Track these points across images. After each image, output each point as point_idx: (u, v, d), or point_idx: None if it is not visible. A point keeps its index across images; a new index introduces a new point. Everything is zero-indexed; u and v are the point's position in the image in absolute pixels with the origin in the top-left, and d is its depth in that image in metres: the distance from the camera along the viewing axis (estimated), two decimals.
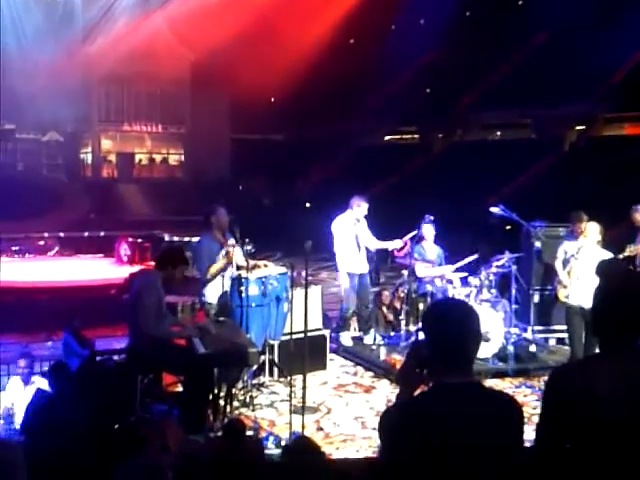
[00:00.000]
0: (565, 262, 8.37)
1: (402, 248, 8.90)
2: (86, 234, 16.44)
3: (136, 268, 11.94)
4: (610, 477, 2.66)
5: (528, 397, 7.08)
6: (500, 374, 7.75)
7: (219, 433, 5.85)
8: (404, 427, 2.71)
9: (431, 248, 9.06)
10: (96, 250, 15.53)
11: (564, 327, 8.74)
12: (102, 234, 16.53)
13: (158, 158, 21.82)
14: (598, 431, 2.66)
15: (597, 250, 7.41)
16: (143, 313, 5.97)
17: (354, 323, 9.26)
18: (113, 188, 19.99)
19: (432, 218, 8.74)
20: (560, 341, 8.89)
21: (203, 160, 20.28)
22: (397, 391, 3.10)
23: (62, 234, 16.09)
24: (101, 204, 18.82)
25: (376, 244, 9.03)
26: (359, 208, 8.79)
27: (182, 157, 21.79)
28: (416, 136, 20.73)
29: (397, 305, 9.58)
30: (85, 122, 20.37)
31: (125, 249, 15.07)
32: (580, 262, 7.53)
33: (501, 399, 2.92)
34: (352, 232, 8.80)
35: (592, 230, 7.52)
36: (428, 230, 8.95)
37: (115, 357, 6.77)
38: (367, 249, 9.00)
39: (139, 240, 14.79)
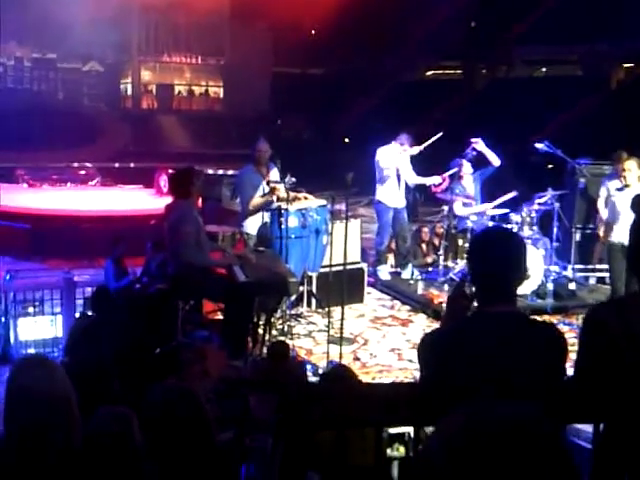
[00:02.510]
0: (607, 201, 8.27)
1: (440, 184, 8.82)
2: (126, 165, 16.54)
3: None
4: None
5: (566, 334, 7.03)
6: (538, 311, 7.71)
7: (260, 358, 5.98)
8: (443, 350, 2.72)
9: (470, 185, 8.95)
10: (136, 181, 15.64)
11: (605, 266, 8.67)
12: (143, 165, 16.62)
13: (197, 90, 21.70)
14: (635, 368, 2.65)
15: (638, 187, 7.29)
16: (182, 242, 6.01)
17: (391, 258, 9.27)
18: (152, 119, 20.00)
19: (474, 153, 8.61)
20: (600, 280, 8.81)
21: (242, 93, 20.12)
22: (434, 325, 3.11)
23: (103, 164, 16.22)
24: (141, 135, 18.87)
25: (415, 179, 8.96)
26: (407, 143, 8.70)
27: (221, 90, 21.65)
28: (459, 71, 20.29)
29: (436, 242, 9.54)
30: (125, 52, 20.31)
31: (165, 180, 15.16)
32: (622, 199, 7.41)
33: (543, 328, 2.91)
34: (395, 164, 8.72)
35: (633, 167, 7.40)
36: (467, 167, 8.84)
37: (158, 284, 6.86)
38: (406, 184, 8.94)
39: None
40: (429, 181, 8.88)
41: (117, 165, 16.71)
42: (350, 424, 2.92)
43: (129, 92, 21.00)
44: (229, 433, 3.61)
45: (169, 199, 6.56)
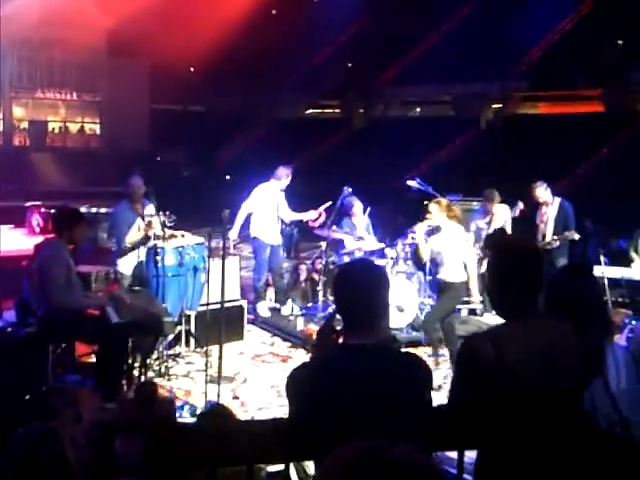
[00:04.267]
0: (477, 237, 8.67)
1: (317, 219, 8.97)
2: None
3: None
4: (520, 441, 2.74)
5: (441, 365, 7.24)
6: (414, 343, 7.90)
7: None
8: (308, 384, 2.75)
9: (361, 222, 9.09)
10: (7, 220, 15.02)
11: (476, 298, 8.99)
12: (14, 204, 15.99)
13: (73, 127, 21.15)
14: (508, 396, 2.75)
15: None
16: (51, 284, 5.81)
17: (270, 294, 9.28)
18: (25, 157, 19.32)
19: (350, 190, 8.80)
20: (472, 312, 9.11)
21: (120, 130, 19.78)
22: None
23: None
24: (12, 173, 18.19)
25: (291, 215, 9.06)
26: (286, 179, 8.79)
27: (98, 126, 21.19)
28: (337, 110, 20.74)
29: (315, 277, 9.63)
30: None
31: (37, 219, 14.66)
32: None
33: (406, 359, 2.98)
34: (274, 202, 8.78)
35: (502, 212, 8.02)
36: (358, 206, 9.01)
37: (27, 329, 6.58)
38: (282, 222, 9.02)
39: (52, 210, 14.36)
40: (305, 216, 8.99)
41: None
42: (221, 462, 2.88)
43: (0, 129, 20.25)
44: None
45: (41, 239, 6.35)
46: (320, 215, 8.88)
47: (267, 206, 8.76)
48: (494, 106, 17.90)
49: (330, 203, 8.85)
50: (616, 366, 3.04)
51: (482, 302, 8.81)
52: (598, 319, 3.12)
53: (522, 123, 16.91)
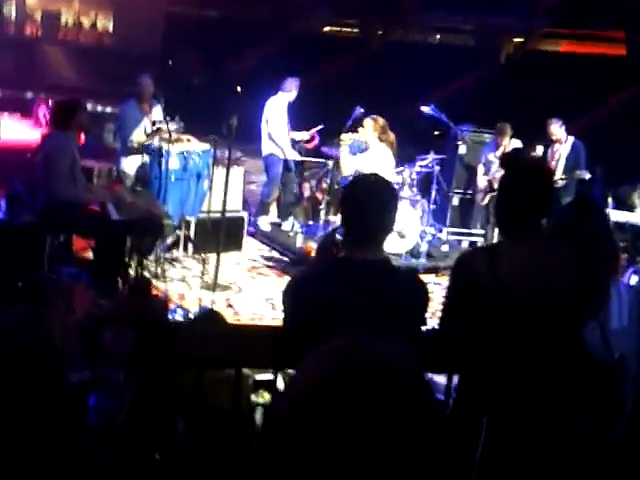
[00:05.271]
0: (487, 169, 8.59)
1: (309, 141, 8.87)
2: (4, 92, 15.67)
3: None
4: (510, 360, 2.75)
5: (435, 294, 7.26)
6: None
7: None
8: (305, 293, 2.74)
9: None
10: (14, 110, 14.84)
11: (480, 231, 9.00)
12: (22, 95, 15.80)
13: (86, 21, 20.68)
14: (499, 314, 2.74)
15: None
16: (55, 175, 5.76)
17: (274, 209, 9.23)
18: (36, 48, 18.96)
19: (362, 110, 8.63)
20: (473, 244, 9.11)
21: (133, 29, 19.31)
22: None
23: None
24: (22, 63, 17.87)
25: (292, 134, 8.89)
26: (294, 91, 8.62)
27: (111, 23, 20.72)
28: (355, 30, 20.25)
29: (319, 196, 9.56)
30: None
31: (44, 112, 14.48)
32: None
33: (405, 276, 2.96)
34: (284, 115, 8.64)
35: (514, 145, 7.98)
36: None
37: (24, 216, 6.56)
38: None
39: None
40: (297, 136, 8.86)
41: None
42: (209, 364, 2.89)
43: (12, 17, 19.79)
44: (86, 372, 3.51)
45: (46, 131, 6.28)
46: (313, 138, 8.79)
47: (278, 120, 8.60)
48: (515, 40, 17.48)
49: (322, 126, 8.74)
50: (619, 303, 3.03)
51: (484, 235, 8.81)
52: (605, 255, 3.10)
53: (542, 59, 16.56)
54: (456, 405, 2.93)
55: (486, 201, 8.75)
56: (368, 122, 6.77)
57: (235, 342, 2.91)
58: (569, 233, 3.04)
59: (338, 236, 3.13)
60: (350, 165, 7.00)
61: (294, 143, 8.85)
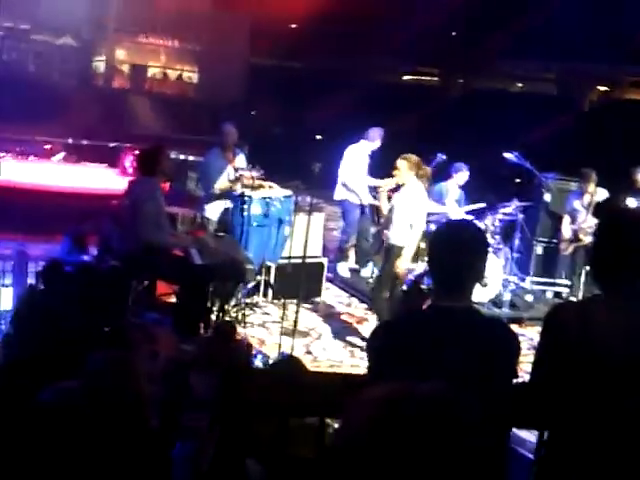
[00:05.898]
0: (572, 217, 8.39)
1: (395, 189, 8.77)
2: (93, 143, 16.27)
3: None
4: (602, 418, 2.61)
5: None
6: None
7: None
8: (390, 340, 2.67)
9: (454, 191, 8.89)
10: (102, 160, 15.38)
11: (563, 281, 8.75)
12: (110, 145, 16.34)
13: (172, 74, 21.42)
14: (591, 371, 2.61)
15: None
16: (142, 220, 5.91)
17: (352, 255, 9.20)
18: (124, 99, 19.67)
19: (444, 157, 8.59)
20: (557, 295, 8.86)
21: (218, 81, 19.89)
22: None
23: (70, 140, 15.93)
24: (110, 115, 18.56)
25: (369, 181, 8.84)
26: (377, 140, 8.65)
27: (196, 75, 21.40)
28: (435, 78, 20.35)
29: None
30: (100, 29, 19.95)
31: (130, 161, 14.95)
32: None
33: (497, 325, 2.87)
34: (364, 163, 8.66)
35: (601, 194, 7.79)
36: (464, 175, 8.88)
37: (112, 262, 6.71)
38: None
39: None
40: (382, 183, 8.74)
41: (84, 142, 16.41)
42: (291, 411, 2.84)
43: (101, 70, 20.66)
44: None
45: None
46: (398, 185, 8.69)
47: (357, 167, 8.63)
48: (600, 88, 17.20)
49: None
50: None
51: (570, 286, 8.57)
52: None
53: (626, 108, 16.22)
54: (543, 463, 2.81)
55: (570, 250, 8.54)
56: (402, 163, 6.54)
57: (318, 390, 2.86)
58: None
59: (423, 285, 3.07)
60: (387, 207, 6.87)
61: (371, 189, 8.82)
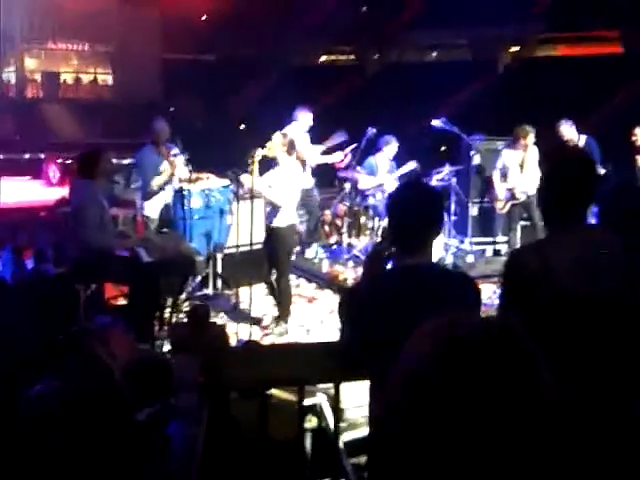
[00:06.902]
0: (503, 173, 8.59)
1: (343, 160, 8.85)
2: (14, 156, 15.87)
3: (66, 189, 11.68)
4: (569, 352, 2.74)
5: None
6: None
7: (165, 342, 5.87)
8: (362, 304, 2.75)
9: (385, 163, 8.95)
10: (23, 172, 15.03)
11: (501, 238, 9.00)
12: (28, 156, 16.00)
13: (85, 78, 20.98)
14: (556, 307, 2.74)
15: None
16: (85, 225, 5.84)
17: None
18: (38, 109, 19.20)
19: (374, 131, 8.70)
20: (496, 252, 9.10)
21: (133, 80, 19.58)
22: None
23: None
24: (26, 125, 18.12)
25: (317, 159, 8.90)
26: (305, 117, 8.66)
27: (110, 77, 21.00)
28: (351, 57, 20.47)
29: (338, 222, 9.60)
30: (8, 41, 19.39)
31: (54, 170, 14.66)
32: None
33: (460, 278, 2.98)
34: (300, 144, 8.66)
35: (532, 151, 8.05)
36: (393, 147, 8.87)
37: (57, 269, 6.63)
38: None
39: (68, 161, 14.32)
40: (331, 159, 8.80)
41: (1, 156, 15.98)
42: (274, 383, 2.91)
43: (13, 81, 20.10)
44: (145, 412, 3.53)
45: (58, 190, 6.37)
46: (346, 156, 8.76)
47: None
48: (512, 49, 17.62)
49: (356, 145, 8.71)
50: None
51: (507, 242, 8.81)
52: None
53: (540, 66, 16.67)
54: None
55: (506, 209, 8.73)
56: (277, 137, 6.40)
57: (297, 359, 2.93)
58: (616, 217, 3.04)
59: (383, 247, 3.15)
60: (262, 182, 6.44)
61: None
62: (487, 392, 1.01)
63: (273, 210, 6.41)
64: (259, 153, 6.34)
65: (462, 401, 1.01)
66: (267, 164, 6.49)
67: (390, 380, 1.10)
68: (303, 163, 6.60)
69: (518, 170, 8.54)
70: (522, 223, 8.85)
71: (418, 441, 1.03)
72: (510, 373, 1.04)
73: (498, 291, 7.09)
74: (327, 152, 8.82)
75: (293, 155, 6.39)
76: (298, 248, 9.10)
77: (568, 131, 8.68)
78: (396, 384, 1.09)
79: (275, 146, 6.31)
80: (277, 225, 6.41)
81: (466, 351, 1.04)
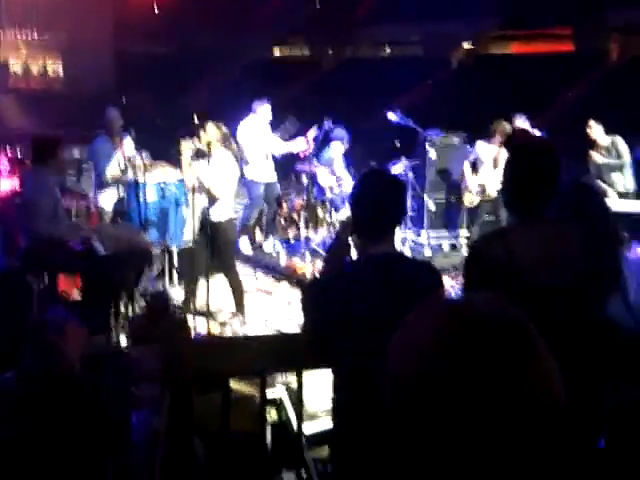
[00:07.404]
0: (473, 165, 8.57)
1: (308, 146, 8.72)
2: None
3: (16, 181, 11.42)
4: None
5: None
6: None
7: (121, 334, 5.79)
8: (328, 295, 2.73)
9: (339, 158, 8.94)
10: None
11: (462, 232, 9.04)
12: None
13: (35, 68, 20.56)
14: (520, 296, 2.76)
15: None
16: (38, 214, 5.71)
17: (257, 233, 9.17)
18: None
19: (332, 124, 8.67)
20: (453, 247, 9.17)
21: (84, 71, 19.26)
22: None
23: None
24: None
25: (281, 147, 8.78)
26: (263, 109, 8.59)
27: (61, 67, 20.61)
28: (306, 52, 20.45)
29: (295, 216, 9.53)
30: None
31: (4, 162, 14.31)
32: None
33: (425, 266, 2.99)
34: (259, 137, 8.60)
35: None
36: (343, 142, 8.88)
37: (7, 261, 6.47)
38: (273, 157, 8.84)
39: (19, 154, 13.99)
40: (295, 147, 8.66)
41: None
42: (236, 372, 2.88)
43: None
44: (104, 402, 3.46)
45: (8, 181, 6.22)
46: (308, 143, 8.64)
47: (253, 143, 8.56)
48: (465, 46, 17.78)
49: (317, 132, 8.51)
50: (629, 277, 3.07)
51: (468, 238, 8.85)
52: (611, 231, 3.15)
53: (494, 62, 16.86)
54: None
55: (475, 203, 8.67)
56: (211, 127, 6.15)
57: (258, 349, 2.90)
58: (576, 213, 3.08)
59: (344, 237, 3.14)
60: (193, 175, 6.17)
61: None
62: (502, 372, 1.03)
63: (211, 204, 6.23)
64: (187, 145, 6.11)
65: (478, 381, 1.01)
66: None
67: (397, 358, 1.09)
68: (235, 156, 6.34)
69: (491, 165, 8.44)
70: (487, 217, 8.73)
71: (428, 417, 1.03)
72: (526, 355, 1.07)
73: (456, 285, 7.16)
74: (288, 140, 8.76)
75: (227, 147, 6.20)
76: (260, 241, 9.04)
77: (522, 126, 8.76)
78: (408, 361, 1.06)
79: (210, 133, 6.08)
80: (218, 220, 6.25)
81: (484, 332, 1.04)
